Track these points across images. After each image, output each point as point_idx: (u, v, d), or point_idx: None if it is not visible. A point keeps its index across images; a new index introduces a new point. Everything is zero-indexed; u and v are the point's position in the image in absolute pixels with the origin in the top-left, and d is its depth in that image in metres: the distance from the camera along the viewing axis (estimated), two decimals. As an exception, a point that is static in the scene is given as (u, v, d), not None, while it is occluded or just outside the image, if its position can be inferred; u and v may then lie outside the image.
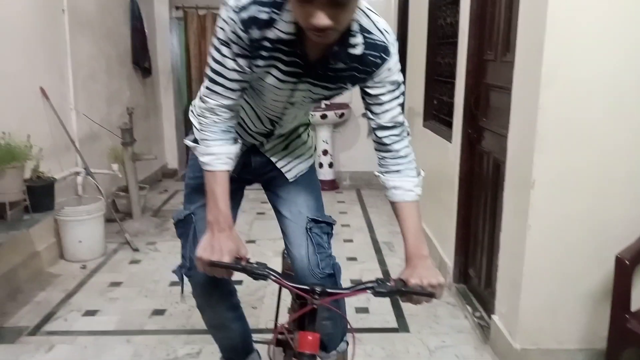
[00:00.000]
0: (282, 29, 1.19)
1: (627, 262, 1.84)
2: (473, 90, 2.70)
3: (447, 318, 2.66)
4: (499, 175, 2.37)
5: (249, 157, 1.59)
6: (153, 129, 5.49)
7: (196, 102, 1.53)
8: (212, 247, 1.27)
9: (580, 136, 1.95)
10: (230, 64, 1.25)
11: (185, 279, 1.60)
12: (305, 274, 1.54)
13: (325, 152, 5.26)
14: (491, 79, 2.54)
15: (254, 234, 3.93)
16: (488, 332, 2.42)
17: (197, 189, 1.53)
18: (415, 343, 2.44)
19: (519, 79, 2.11)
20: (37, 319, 2.65)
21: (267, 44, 1.22)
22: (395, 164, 1.36)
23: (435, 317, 2.66)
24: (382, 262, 3.40)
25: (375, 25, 1.24)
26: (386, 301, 2.79)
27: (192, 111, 1.58)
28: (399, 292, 1.19)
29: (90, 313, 2.73)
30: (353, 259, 3.45)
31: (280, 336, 1.51)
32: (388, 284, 1.18)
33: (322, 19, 1.06)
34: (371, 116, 1.34)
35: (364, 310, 2.72)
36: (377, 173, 1.41)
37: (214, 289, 1.62)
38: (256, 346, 1.84)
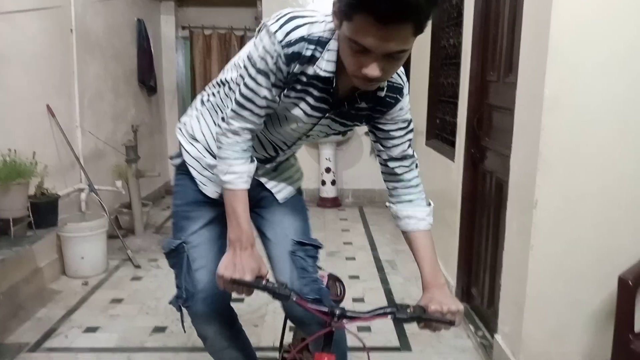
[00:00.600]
0: (322, 67, 1.21)
1: (630, 282, 1.83)
2: (476, 110, 2.72)
3: (450, 337, 2.64)
4: (502, 195, 2.37)
5: None
6: (157, 146, 5.52)
7: (191, 122, 1.54)
8: (234, 266, 1.27)
9: (583, 158, 1.96)
10: (263, 92, 1.26)
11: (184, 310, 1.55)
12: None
13: (328, 170, 5.27)
14: (494, 100, 2.56)
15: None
16: (491, 351, 2.40)
17: (186, 217, 1.52)
18: (418, 363, 2.42)
19: (521, 101, 2.13)
20: (38, 336, 2.64)
21: (303, 78, 1.24)
22: (407, 194, 1.40)
23: (437, 336, 2.64)
24: (384, 281, 3.39)
25: None
26: (389, 320, 2.77)
27: (180, 129, 1.57)
28: (419, 318, 1.19)
29: (91, 330, 2.72)
30: (355, 277, 3.43)
31: (285, 355, 1.51)
32: (408, 310, 1.18)
33: (375, 71, 1.08)
34: (381, 148, 1.38)
35: (366, 329, 2.70)
36: (388, 204, 1.43)
37: (214, 318, 1.56)
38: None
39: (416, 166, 1.40)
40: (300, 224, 1.59)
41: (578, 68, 1.89)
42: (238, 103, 1.29)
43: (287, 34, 1.18)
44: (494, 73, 2.54)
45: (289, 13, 1.21)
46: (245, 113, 1.29)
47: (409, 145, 1.38)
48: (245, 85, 1.27)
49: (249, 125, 1.31)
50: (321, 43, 1.20)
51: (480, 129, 2.69)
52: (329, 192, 5.31)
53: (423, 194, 1.41)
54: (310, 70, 1.22)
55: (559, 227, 2.00)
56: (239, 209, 1.33)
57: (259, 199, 1.58)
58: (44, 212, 2.83)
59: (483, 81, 2.68)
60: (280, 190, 1.60)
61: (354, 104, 1.30)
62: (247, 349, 1.72)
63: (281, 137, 1.45)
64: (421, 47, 3.80)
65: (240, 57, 1.45)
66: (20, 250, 2.65)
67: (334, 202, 5.33)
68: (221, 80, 1.51)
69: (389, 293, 3.20)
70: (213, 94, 1.53)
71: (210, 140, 1.51)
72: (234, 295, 1.34)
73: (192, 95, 5.86)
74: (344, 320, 1.16)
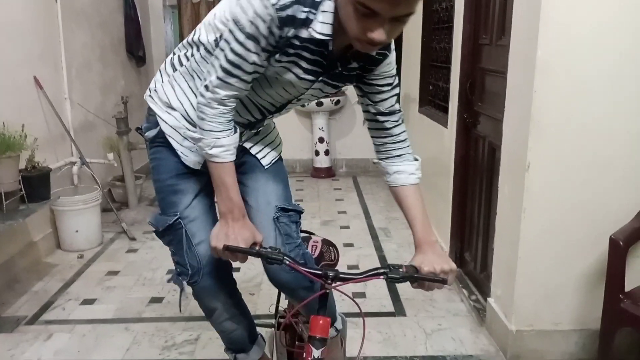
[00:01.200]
0: (317, 29, 1.18)
1: (620, 243, 1.85)
2: (468, 74, 2.70)
3: (444, 302, 2.68)
4: (495, 159, 2.37)
5: None
6: (148, 119, 5.45)
7: (164, 88, 1.45)
8: (226, 236, 1.27)
9: (575, 121, 1.95)
10: (252, 58, 1.21)
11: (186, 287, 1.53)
12: (275, 266, 1.47)
13: (321, 140, 5.25)
14: (486, 64, 2.54)
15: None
16: (484, 314, 2.44)
17: (174, 190, 1.48)
18: (412, 326, 2.46)
19: (514, 64, 2.11)
20: (35, 308, 2.66)
21: (296, 42, 1.21)
22: (395, 148, 1.40)
23: (431, 300, 2.68)
24: (378, 248, 3.42)
25: None
26: (383, 285, 2.81)
27: (152, 97, 1.49)
28: (411, 278, 1.20)
29: (88, 302, 2.74)
30: (350, 245, 3.46)
31: (281, 320, 1.52)
32: (400, 270, 1.19)
33: (382, 35, 1.06)
34: (369, 102, 1.37)
35: (361, 295, 2.74)
36: (376, 160, 1.43)
37: (220, 290, 1.56)
38: (259, 330, 1.84)
39: (403, 121, 1.40)
40: (282, 189, 1.56)
41: (570, 30, 1.87)
42: (224, 70, 1.23)
43: None
44: (487, 36, 2.51)
45: None
46: (233, 80, 1.24)
47: (397, 100, 1.38)
48: (232, 50, 1.21)
49: (235, 93, 1.27)
50: (314, 5, 1.17)
51: (473, 93, 2.68)
52: (322, 162, 5.29)
53: (410, 149, 1.41)
54: (305, 34, 1.19)
55: (551, 189, 2.01)
56: (229, 181, 1.31)
57: (239, 164, 1.50)
58: (36, 185, 2.81)
59: (475, 44, 2.65)
60: (265, 156, 1.57)
61: (347, 64, 1.28)
62: (248, 316, 1.73)
63: (270, 99, 1.41)
64: (413, 12, 3.74)
65: (216, 17, 1.35)
66: (14, 224, 2.65)
67: (328, 172, 5.33)
68: (193, 41, 1.42)
69: (382, 260, 3.23)
70: (186, 57, 1.44)
71: (189, 108, 1.43)
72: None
73: (182, 66, 5.77)
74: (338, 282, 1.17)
